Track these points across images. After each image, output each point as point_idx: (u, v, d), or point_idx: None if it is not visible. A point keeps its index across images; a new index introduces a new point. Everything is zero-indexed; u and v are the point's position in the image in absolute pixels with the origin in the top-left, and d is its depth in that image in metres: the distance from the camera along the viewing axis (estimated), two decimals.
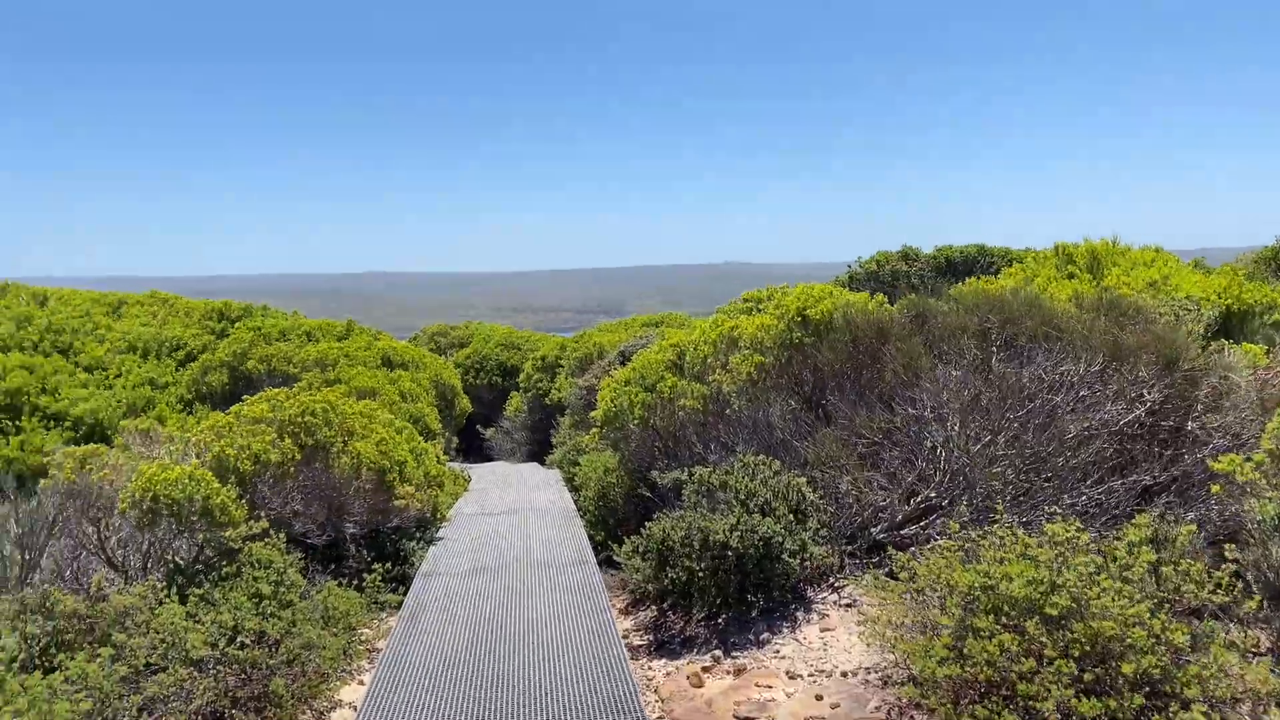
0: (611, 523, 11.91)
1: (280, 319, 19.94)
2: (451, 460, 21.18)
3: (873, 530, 9.25)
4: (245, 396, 10.42)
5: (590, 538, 12.06)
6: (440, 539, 11.15)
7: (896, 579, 8.84)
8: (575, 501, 13.99)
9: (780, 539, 8.33)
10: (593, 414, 12.49)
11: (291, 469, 9.19)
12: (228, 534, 8.20)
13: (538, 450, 26.54)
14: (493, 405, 31.10)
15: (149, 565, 8.40)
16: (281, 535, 8.49)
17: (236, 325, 19.43)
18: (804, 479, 8.97)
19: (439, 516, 11.24)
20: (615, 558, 10.30)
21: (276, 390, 9.99)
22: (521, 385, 27.68)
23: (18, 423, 16.04)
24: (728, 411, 10.57)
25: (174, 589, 7.78)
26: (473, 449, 30.89)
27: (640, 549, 8.89)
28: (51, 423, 16.32)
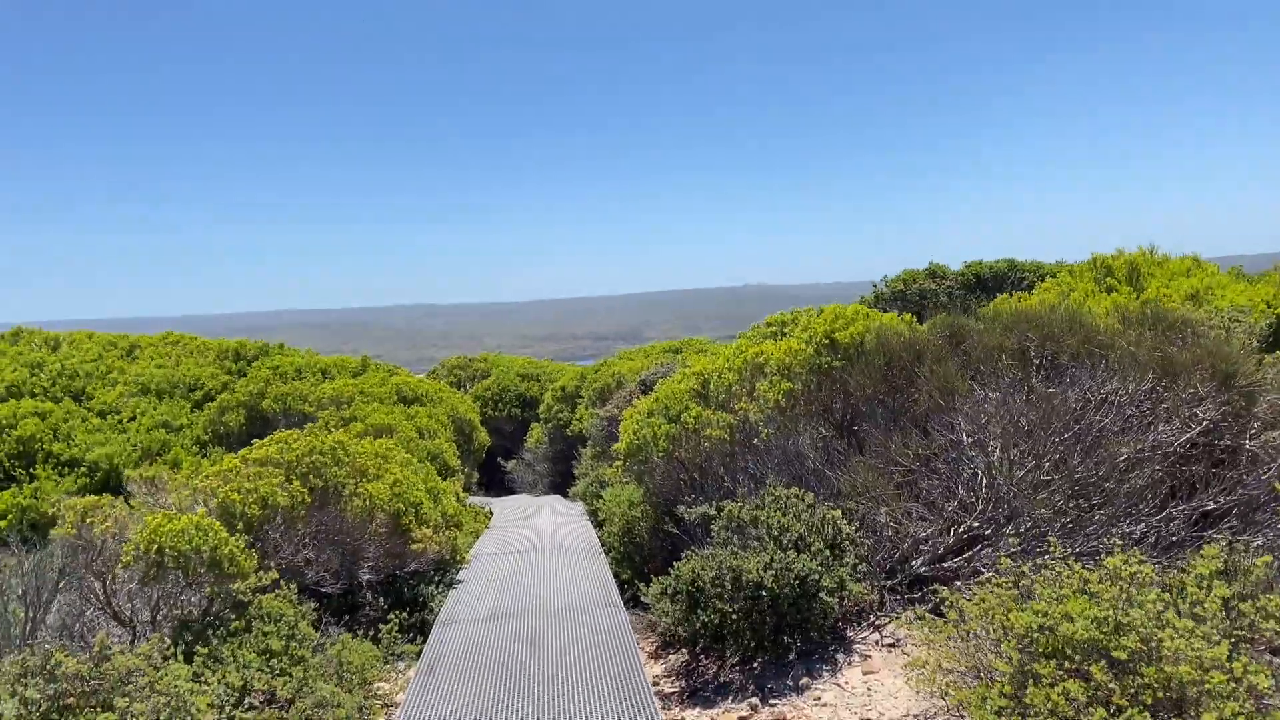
0: (638, 560, 11.45)
1: (296, 356, 19.69)
2: (472, 495, 20.82)
3: (913, 563, 8.76)
4: (255, 440, 10.09)
5: (616, 575, 11.62)
6: (460, 582, 10.73)
7: (942, 616, 8.36)
8: (599, 536, 13.55)
9: (817, 576, 7.87)
10: (615, 446, 12.08)
11: (302, 513, 8.82)
12: (236, 586, 7.82)
13: (560, 481, 26.13)
14: (514, 437, 30.75)
15: (157, 619, 8.03)
16: (292, 585, 8.10)
17: (254, 364, 19.21)
18: (838, 511, 8.51)
19: (458, 558, 10.83)
20: (642, 598, 9.86)
21: (286, 431, 9.65)
22: (542, 416, 27.32)
23: (31, 470, 15.80)
24: (755, 441, 10.13)
25: (180, 646, 7.40)
26: (494, 482, 30.53)
27: (669, 590, 8.44)
28: (65, 469, 16.08)
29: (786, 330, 13.29)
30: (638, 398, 16.02)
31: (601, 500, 13.78)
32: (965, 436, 9.00)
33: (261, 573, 8.08)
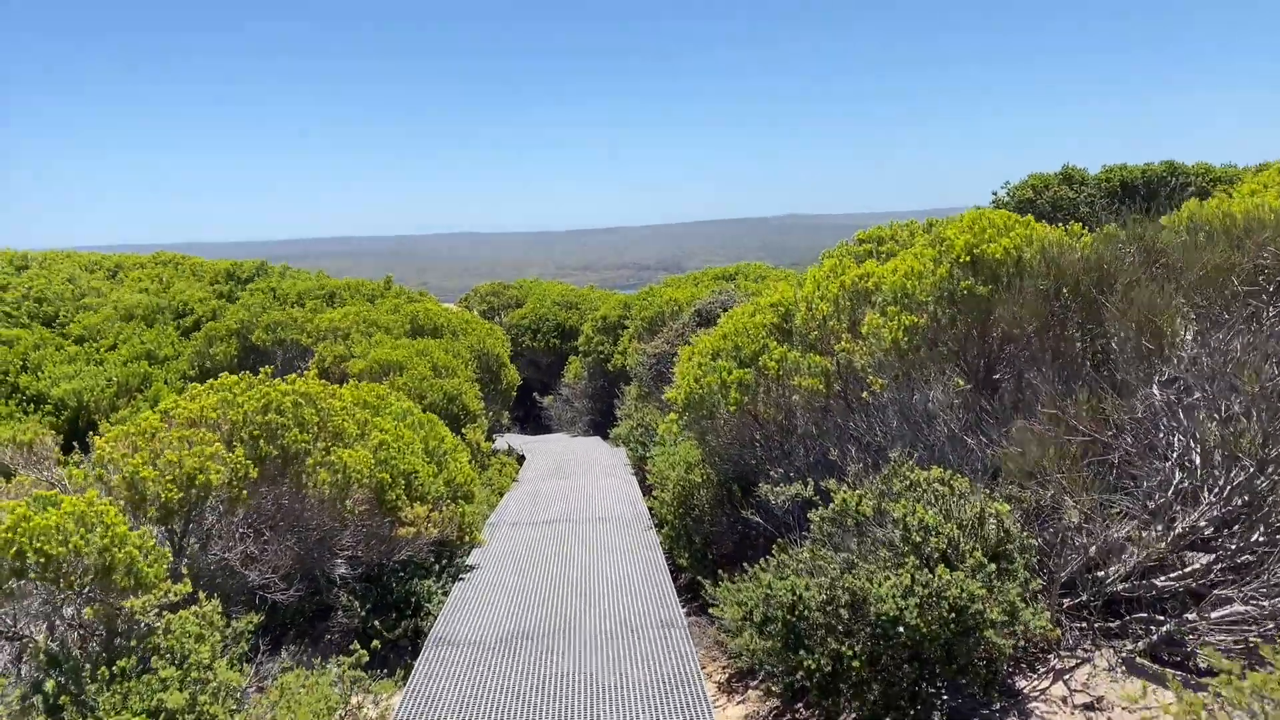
0: (698, 541, 8.92)
1: (301, 280, 17.26)
2: (504, 433, 18.32)
3: (1105, 576, 6.12)
4: (215, 380, 7.59)
5: (669, 557, 9.12)
6: (469, 570, 8.29)
7: (1161, 661, 5.71)
8: (648, 505, 11.08)
9: (980, 606, 5.26)
10: (668, 393, 9.47)
11: (243, 493, 6.34)
12: (131, 604, 5.40)
13: (599, 421, 23.70)
14: (551, 370, 28.32)
15: (22, 656, 5.67)
16: (216, 600, 5.66)
17: (248, 287, 16.79)
18: (1003, 505, 5.84)
19: (467, 538, 8.35)
20: (707, 600, 7.35)
21: (230, 377, 7.14)
22: (581, 349, 24.78)
23: None
24: (865, 395, 7.44)
25: (41, 699, 5.03)
26: (529, 417, 28.24)
27: (753, 611, 5.89)
28: (32, 406, 13.85)
29: (885, 249, 10.48)
30: (693, 332, 13.36)
31: (651, 460, 11.24)
32: (1180, 395, 6.27)
33: (174, 581, 5.66)
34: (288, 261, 19.37)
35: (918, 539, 5.59)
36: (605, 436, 20.98)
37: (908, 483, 6.01)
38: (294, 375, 7.37)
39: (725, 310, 14.19)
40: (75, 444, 9.05)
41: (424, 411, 11.82)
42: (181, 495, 6.02)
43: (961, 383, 7.24)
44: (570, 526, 9.98)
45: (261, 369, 7.43)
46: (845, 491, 6.23)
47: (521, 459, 17.39)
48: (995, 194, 11.97)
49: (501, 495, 12.17)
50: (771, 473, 8.40)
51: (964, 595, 5.26)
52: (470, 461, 11.49)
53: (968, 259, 7.44)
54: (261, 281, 16.86)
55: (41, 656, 5.35)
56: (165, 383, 14.70)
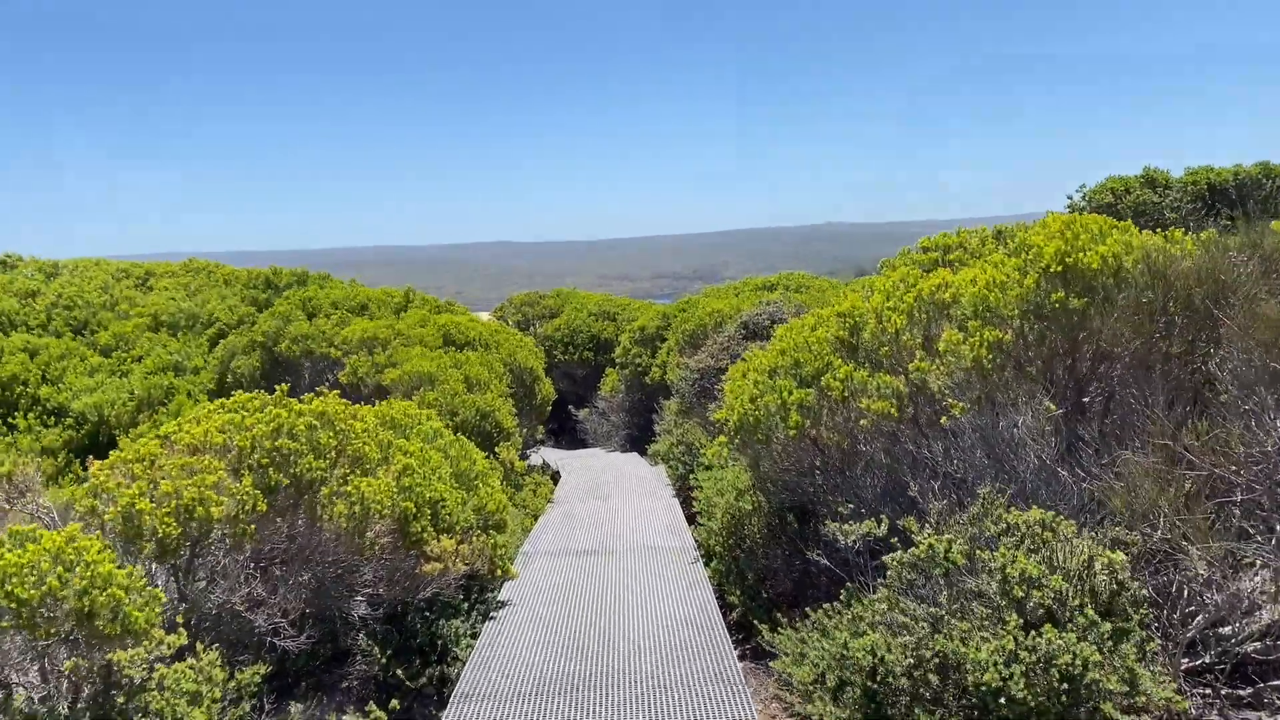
0: (750, 578, 8.15)
1: (335, 288, 16.73)
2: (538, 448, 17.66)
3: (1232, 635, 5.29)
4: (233, 398, 6.97)
5: (718, 592, 8.37)
6: (501, 606, 7.60)
7: None
8: (694, 534, 10.35)
9: (1095, 675, 4.46)
10: (716, 413, 8.72)
11: (250, 527, 5.69)
12: (117, 657, 4.76)
13: (637, 435, 22.98)
14: (586, 383, 27.66)
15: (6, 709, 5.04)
16: (216, 649, 5.01)
17: (283, 295, 16.30)
18: (1117, 554, 5.02)
19: (499, 571, 7.65)
20: (764, 645, 6.62)
21: (243, 395, 6.51)
22: (617, 360, 24.09)
23: (11, 419, 13.16)
24: (943, 420, 6.65)
25: None
26: (564, 430, 27.60)
27: (825, 674, 5.13)
28: (52, 419, 13.41)
29: (953, 258, 9.67)
30: (739, 345, 12.61)
31: (696, 482, 10.50)
32: None
33: (171, 627, 5.03)
34: (327, 271, 18.82)
35: (1019, 593, 4.80)
36: (643, 452, 20.26)
37: (1004, 526, 5.22)
38: (310, 395, 6.72)
39: (773, 323, 13.43)
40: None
41: (456, 429, 11.19)
42: (180, 530, 5.37)
43: (1053, 407, 6.42)
44: (610, 558, 9.26)
45: (278, 386, 6.79)
46: (931, 535, 5.44)
47: (556, 476, 16.72)
48: (1070, 199, 11.11)
49: (536, 518, 11.48)
50: (833, 503, 7.63)
51: (1077, 662, 4.47)
52: (503, 482, 10.82)
53: (1058, 268, 6.63)
54: (297, 291, 16.35)
55: (18, 716, 4.72)
56: (189, 396, 14.21)
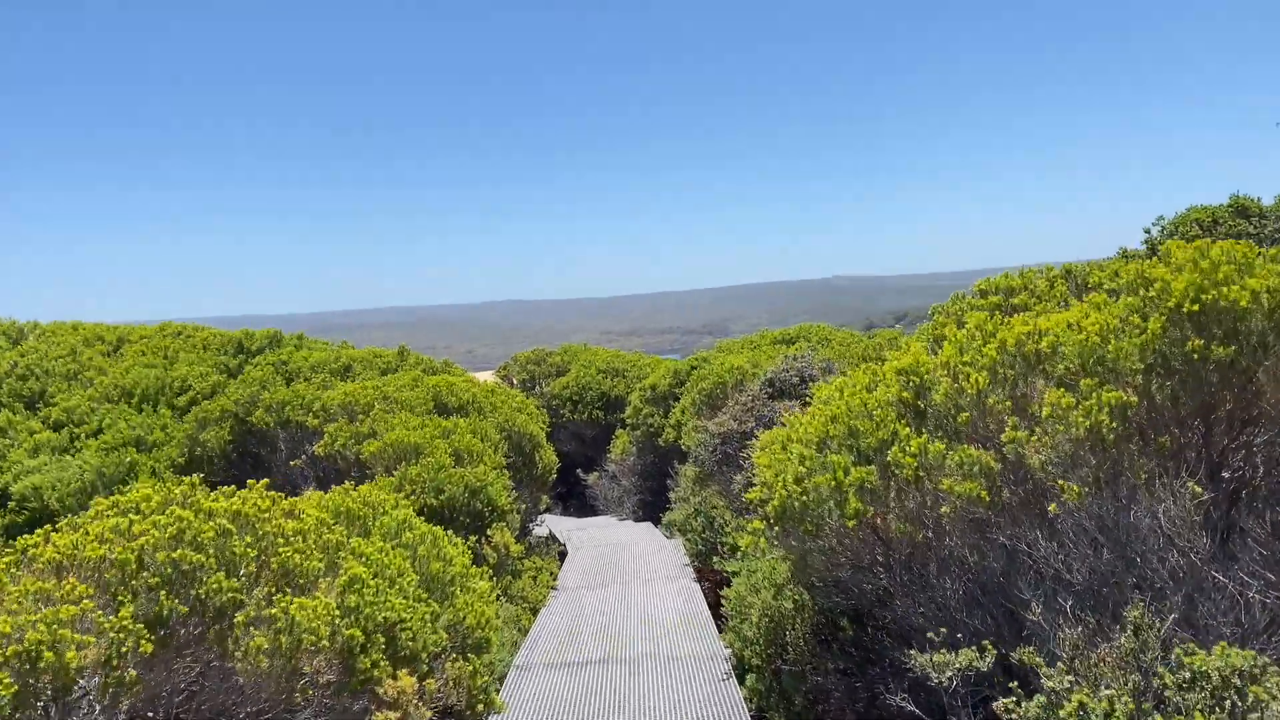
0: (798, 702, 6.53)
1: (317, 350, 15.30)
2: (540, 519, 15.97)
3: None
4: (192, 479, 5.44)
5: (758, 718, 6.73)
6: None
7: None
8: (718, 622, 8.74)
9: None
10: (749, 494, 7.15)
11: (130, 674, 4.15)
12: None
13: (650, 501, 21.36)
14: (596, 444, 26.10)
15: None
16: None
17: (255, 360, 14.88)
18: None
19: (481, 706, 6.04)
20: None
21: (139, 492, 5.01)
22: (628, 421, 22.56)
23: None
24: (1051, 507, 5.11)
25: None
26: (573, 494, 25.98)
27: None
28: None
29: (1017, 302, 8.17)
30: (773, 410, 11.08)
31: (720, 565, 8.90)
32: None
33: None
34: (333, 334, 17.27)
35: None
36: (657, 521, 18.63)
37: (1187, 674, 3.65)
38: (229, 488, 5.23)
39: (803, 380, 11.91)
40: None
41: (440, 510, 9.65)
42: (15, 689, 3.83)
43: (1199, 489, 4.86)
44: (622, 670, 7.64)
45: (187, 478, 5.30)
46: (1065, 679, 3.87)
47: (563, 553, 15.13)
48: (1148, 233, 9.65)
49: (536, 613, 9.88)
50: (901, 607, 6.04)
51: None
52: (494, 575, 9.25)
53: (1193, 308, 5.12)
54: (271, 354, 14.92)
55: None
56: (153, 473, 12.73)
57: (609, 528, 18.65)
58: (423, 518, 9.80)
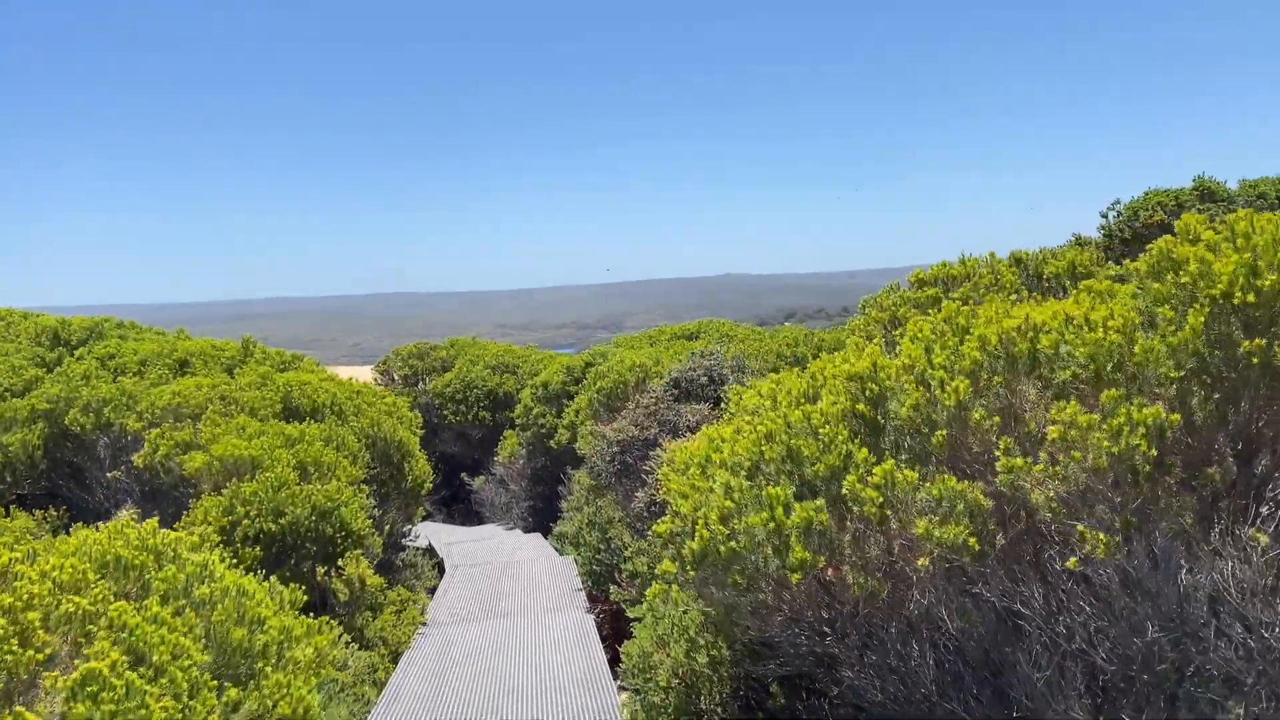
0: None
1: (148, 341, 13.20)
2: (410, 533, 14.09)
3: None
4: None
5: None
6: None
7: None
8: (614, 660, 7.29)
9: None
10: (657, 526, 5.68)
11: None
12: None
13: (541, 508, 19.79)
14: (483, 446, 24.33)
15: None
16: None
17: (77, 352, 12.70)
18: None
19: None
20: None
21: None
22: (517, 421, 20.93)
23: None
24: (1071, 562, 3.83)
25: None
26: (458, 499, 24.20)
27: None
28: None
29: (958, 295, 6.99)
30: (678, 413, 9.68)
31: (629, 614, 7.45)
32: None
33: None
34: (214, 326, 14.81)
35: None
36: (547, 531, 17.10)
37: None
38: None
39: (711, 381, 10.55)
40: None
41: (281, 535, 7.92)
42: None
43: (1263, 537, 3.65)
44: None
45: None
46: None
47: (440, 568, 13.45)
48: (1104, 219, 8.64)
49: (397, 659, 8.25)
50: (852, 678, 4.69)
51: None
52: (339, 621, 7.59)
53: (1247, 298, 3.90)
54: (96, 345, 12.74)
55: None
56: None
57: (495, 539, 17.04)
58: (259, 547, 8.06)
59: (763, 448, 4.81)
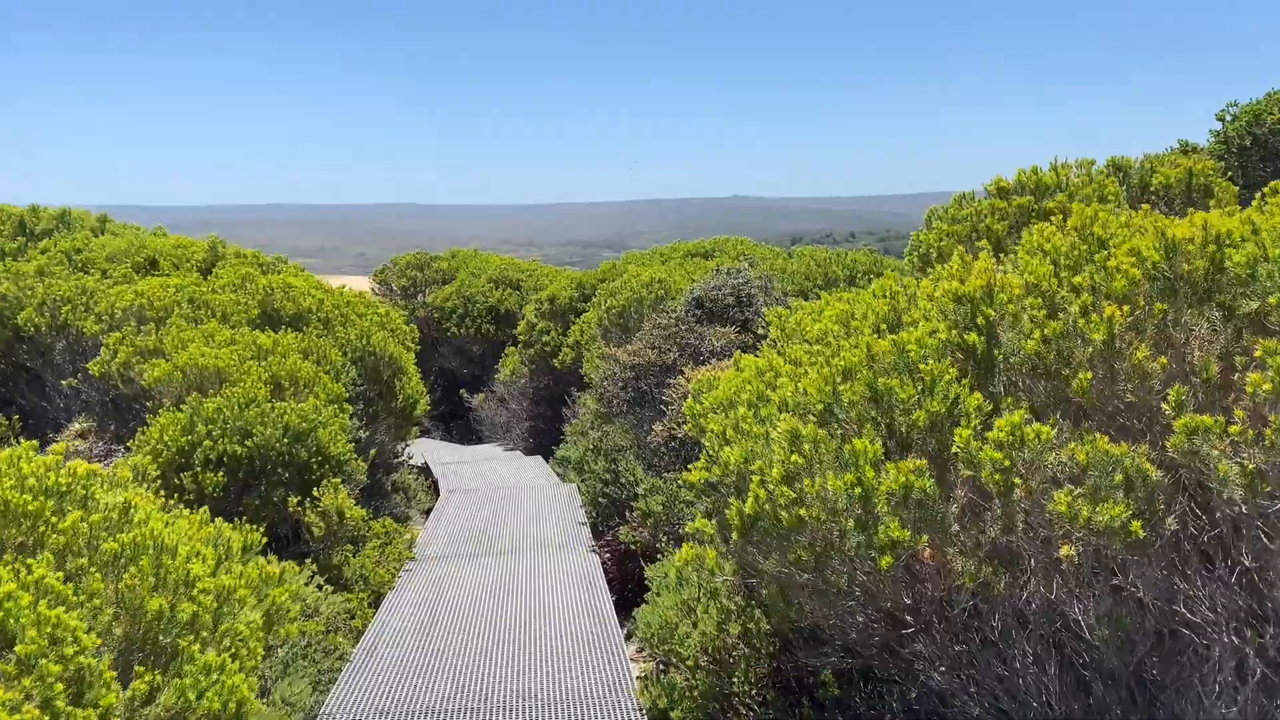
0: None
1: (120, 237, 12.02)
2: (404, 453, 13.04)
3: None
4: None
5: None
6: None
7: None
8: (622, 613, 6.34)
9: None
10: (689, 473, 4.61)
11: None
12: None
13: (542, 428, 18.86)
14: (483, 363, 23.32)
15: None
16: None
17: (42, 245, 11.55)
18: None
19: None
20: None
21: None
22: (520, 338, 19.86)
23: None
24: (1242, 553, 2.79)
25: None
26: (456, 415, 23.31)
27: None
28: None
29: (1053, 205, 5.85)
30: (701, 336, 8.56)
31: (645, 605, 6.42)
32: None
33: None
34: (217, 231, 13.45)
35: None
36: (548, 455, 16.15)
37: None
38: None
39: (739, 300, 9.40)
40: None
41: (249, 458, 6.92)
42: None
43: None
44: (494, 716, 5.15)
45: None
46: None
47: (436, 489, 12.54)
48: (1222, 120, 7.34)
49: (379, 601, 7.31)
50: (943, 681, 3.69)
51: None
52: (312, 560, 6.63)
53: None
54: (63, 239, 11.57)
55: None
56: None
57: (493, 461, 16.12)
58: (222, 473, 7.05)
59: (838, 386, 3.70)
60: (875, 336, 3.94)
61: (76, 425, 8.61)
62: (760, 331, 9.48)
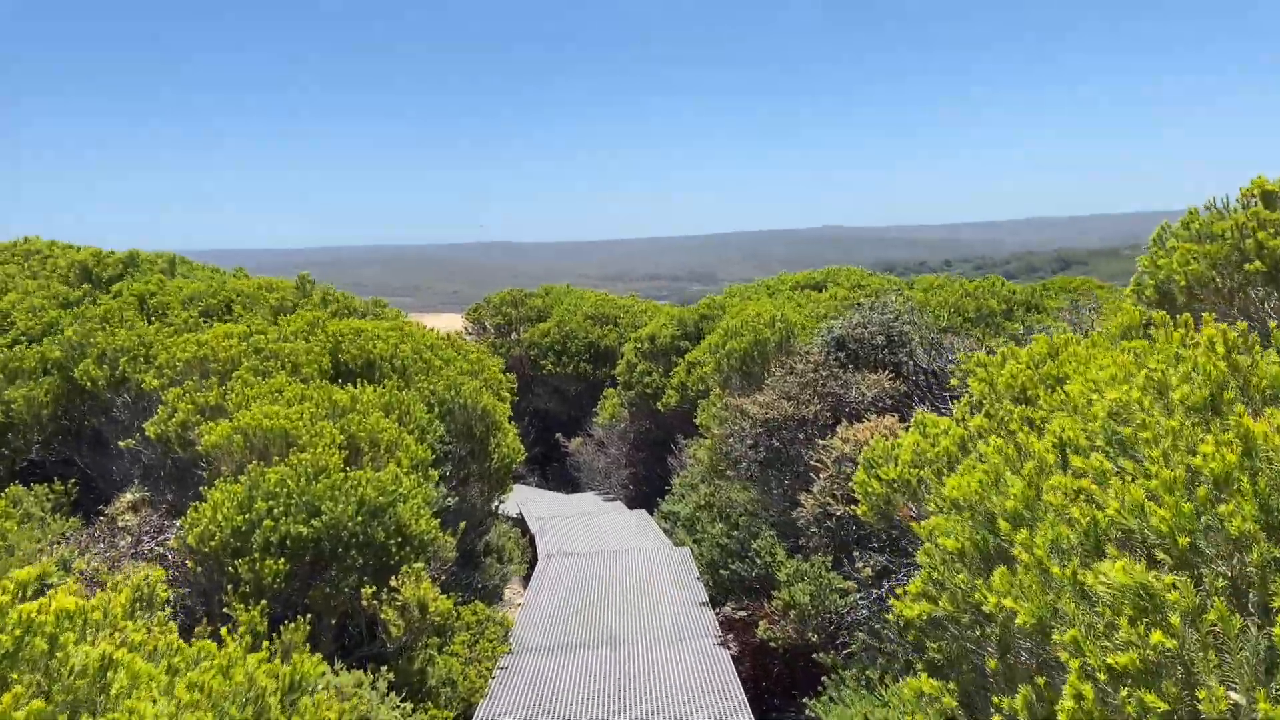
0: None
1: (196, 279, 11.16)
2: (499, 500, 11.78)
3: None
4: None
5: None
6: None
7: None
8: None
9: None
10: (904, 605, 3.18)
11: None
12: None
13: (643, 475, 17.55)
14: (580, 403, 22.17)
15: None
16: None
17: (112, 289, 10.77)
18: None
19: None
20: None
21: None
22: (620, 379, 18.62)
23: None
24: None
25: None
26: (551, 458, 22.15)
27: None
28: None
29: None
30: (848, 385, 7.10)
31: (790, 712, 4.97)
32: None
33: None
34: (310, 271, 12.43)
35: None
36: (652, 508, 14.78)
37: None
38: None
39: (890, 341, 7.89)
40: None
41: (316, 540, 5.73)
42: None
43: None
44: None
45: None
46: None
47: (531, 546, 11.32)
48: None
49: (467, 718, 6.01)
50: None
51: None
52: (386, 669, 5.37)
53: None
54: (132, 282, 10.76)
55: None
56: None
57: (595, 515, 14.82)
58: (284, 559, 5.86)
59: (1208, 506, 2.23)
60: (1215, 414, 2.45)
61: (128, 496, 7.60)
62: (912, 376, 7.98)
